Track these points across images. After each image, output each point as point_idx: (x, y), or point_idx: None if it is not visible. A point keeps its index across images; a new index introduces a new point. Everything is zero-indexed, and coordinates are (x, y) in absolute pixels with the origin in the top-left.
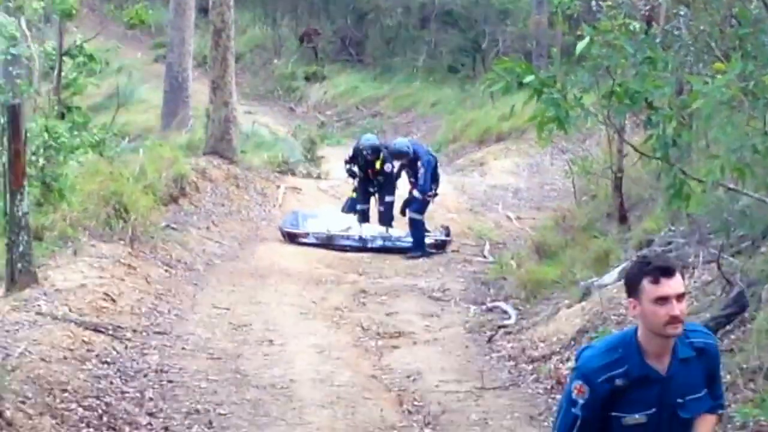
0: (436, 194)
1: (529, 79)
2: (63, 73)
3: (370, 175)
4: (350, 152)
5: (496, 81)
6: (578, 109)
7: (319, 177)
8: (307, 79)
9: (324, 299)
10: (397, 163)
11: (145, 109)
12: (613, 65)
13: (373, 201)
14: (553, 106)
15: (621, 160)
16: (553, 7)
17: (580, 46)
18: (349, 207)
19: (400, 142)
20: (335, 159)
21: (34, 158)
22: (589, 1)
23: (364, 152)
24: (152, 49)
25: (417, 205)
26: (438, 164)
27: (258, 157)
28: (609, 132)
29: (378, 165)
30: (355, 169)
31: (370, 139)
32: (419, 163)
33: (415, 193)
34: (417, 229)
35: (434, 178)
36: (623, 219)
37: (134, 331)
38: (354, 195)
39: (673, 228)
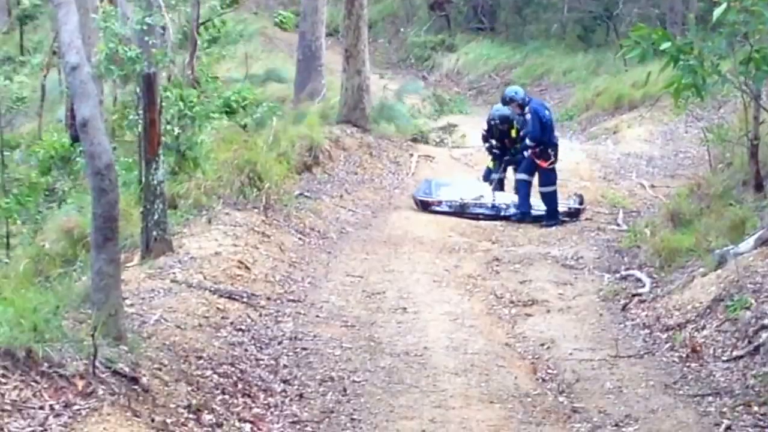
0: (554, 160)
1: (665, 45)
2: (197, 43)
3: (507, 145)
4: (484, 125)
5: (632, 48)
6: (715, 75)
7: (452, 145)
8: (438, 47)
9: (457, 267)
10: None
11: (279, 78)
12: (750, 31)
13: (510, 170)
14: (689, 72)
15: (757, 127)
16: None
17: (717, 12)
18: (486, 176)
19: (510, 88)
20: (468, 127)
21: (168, 127)
22: None
23: (494, 122)
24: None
25: (526, 166)
26: (553, 123)
27: (391, 126)
28: (745, 99)
29: (513, 133)
30: (494, 142)
31: (499, 109)
32: (526, 109)
33: (526, 151)
34: (550, 200)
35: (546, 136)
36: (759, 187)
37: (268, 298)
38: (492, 165)
39: None
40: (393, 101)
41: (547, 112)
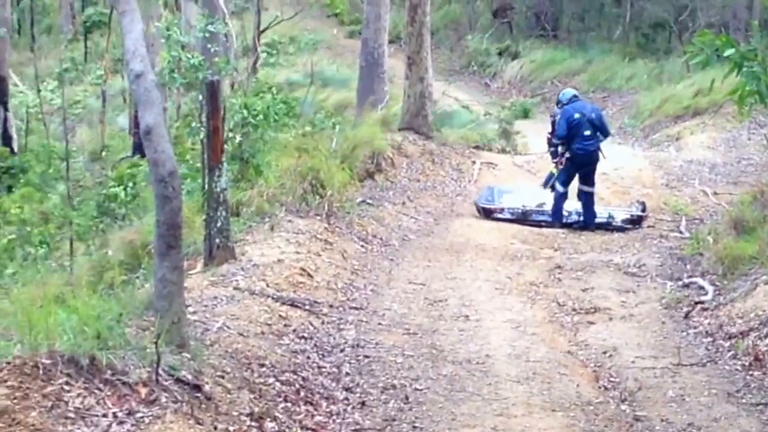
0: (561, 159)
1: (729, 52)
2: (259, 51)
3: None
4: (550, 127)
5: (696, 54)
6: None
7: (515, 152)
8: (501, 54)
9: (519, 275)
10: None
11: (342, 86)
12: None
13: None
14: (753, 79)
15: None
16: None
17: None
18: (547, 182)
19: (564, 91)
20: (531, 133)
21: (231, 134)
22: None
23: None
24: (347, 25)
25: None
26: (584, 128)
27: (453, 133)
28: None
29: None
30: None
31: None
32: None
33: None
34: (554, 198)
35: (571, 134)
36: None
37: (331, 306)
38: (555, 171)
39: None
40: (456, 108)
41: (577, 115)
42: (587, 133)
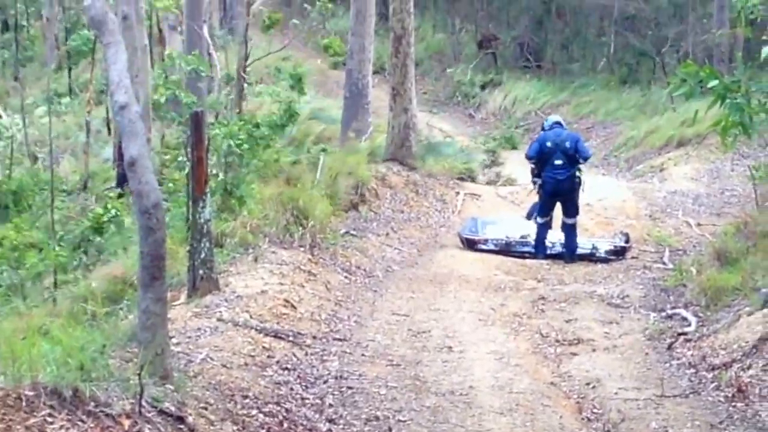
0: (534, 182)
1: (713, 83)
2: (244, 82)
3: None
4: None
5: (680, 85)
6: (762, 114)
7: (498, 183)
8: (485, 85)
9: (503, 306)
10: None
11: (326, 117)
12: None
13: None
14: (737, 111)
15: None
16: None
17: (766, 50)
18: (531, 213)
19: (549, 117)
20: (515, 164)
21: (215, 165)
22: None
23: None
24: (332, 56)
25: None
26: (554, 152)
27: (437, 164)
28: None
29: None
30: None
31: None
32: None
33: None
34: (535, 230)
35: (541, 159)
36: None
37: (314, 337)
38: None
39: None
40: (440, 139)
41: (550, 144)
42: (558, 162)
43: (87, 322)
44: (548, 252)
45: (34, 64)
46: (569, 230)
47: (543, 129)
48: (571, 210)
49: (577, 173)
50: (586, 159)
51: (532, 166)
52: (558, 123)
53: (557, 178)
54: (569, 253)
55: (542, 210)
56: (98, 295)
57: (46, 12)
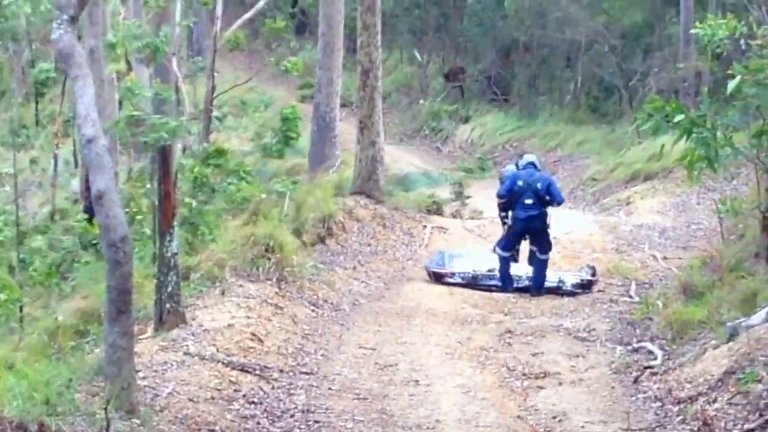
0: (504, 220)
1: (679, 118)
2: (212, 115)
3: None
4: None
5: (646, 120)
6: (728, 148)
7: (466, 216)
8: (452, 118)
9: (469, 339)
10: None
11: (294, 149)
12: (763, 104)
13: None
14: (703, 145)
15: None
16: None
17: (731, 85)
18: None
19: (525, 155)
20: (482, 198)
21: (184, 199)
22: (738, 39)
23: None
24: (299, 89)
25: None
26: (525, 192)
27: (405, 197)
28: (758, 171)
29: None
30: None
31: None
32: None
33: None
34: (499, 264)
35: (511, 198)
36: None
37: (281, 371)
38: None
39: None
40: (408, 172)
41: (521, 183)
42: (528, 201)
43: (53, 356)
44: (516, 285)
45: (1, 99)
46: (540, 265)
47: (517, 167)
48: (543, 246)
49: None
50: (559, 203)
51: (498, 200)
52: (532, 164)
53: (528, 216)
54: (536, 287)
55: (507, 245)
56: (66, 328)
57: (11, 44)
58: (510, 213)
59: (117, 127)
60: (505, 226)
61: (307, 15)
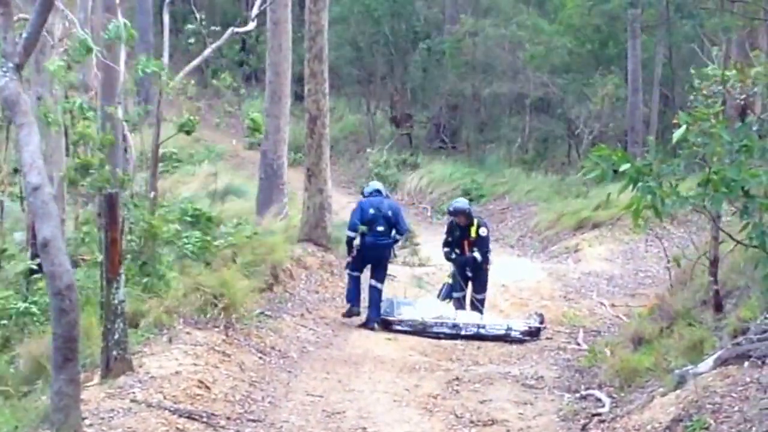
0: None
1: (624, 167)
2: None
3: (466, 249)
4: (444, 229)
5: (592, 169)
6: (674, 197)
7: (415, 264)
8: (400, 165)
9: (417, 386)
10: (484, 230)
11: (241, 196)
12: (709, 153)
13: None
14: (649, 194)
15: (716, 247)
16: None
17: (677, 134)
18: (446, 293)
19: (370, 183)
20: (430, 246)
21: (131, 245)
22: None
23: (454, 218)
24: (247, 136)
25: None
26: (377, 219)
27: None
28: (704, 219)
29: (473, 232)
30: (452, 251)
31: (459, 201)
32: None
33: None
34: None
35: (364, 226)
36: (719, 307)
37: (228, 418)
38: (450, 280)
39: None
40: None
41: (372, 211)
42: (380, 228)
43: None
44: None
45: None
46: (376, 295)
47: (363, 195)
48: (381, 275)
49: (397, 241)
50: (402, 234)
51: (349, 234)
52: (378, 191)
53: (378, 243)
54: (369, 320)
55: (356, 267)
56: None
57: None
58: (357, 240)
59: (69, 174)
60: (353, 253)
61: (254, 62)
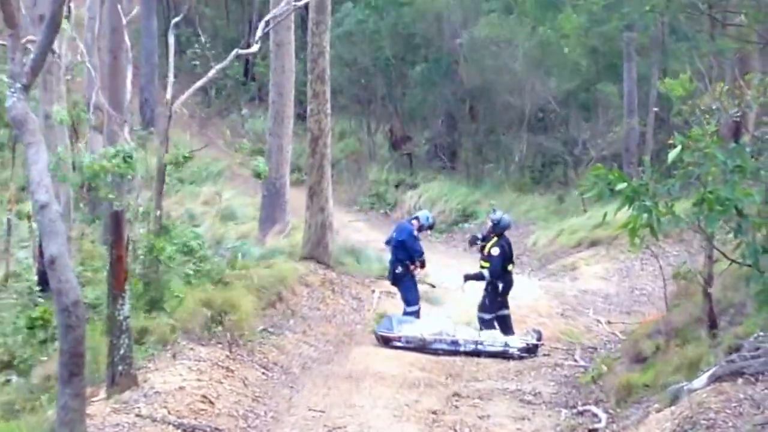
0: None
1: (621, 186)
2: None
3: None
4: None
5: (590, 188)
6: (670, 216)
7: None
8: (400, 185)
9: (417, 402)
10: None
11: (244, 215)
12: (703, 173)
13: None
14: (645, 213)
15: (711, 266)
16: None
17: (672, 154)
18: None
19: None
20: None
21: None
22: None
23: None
24: (250, 156)
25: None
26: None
27: (355, 264)
28: (700, 237)
29: (488, 248)
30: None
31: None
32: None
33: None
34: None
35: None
36: (713, 324)
37: None
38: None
39: (763, 333)
40: (357, 237)
41: (393, 233)
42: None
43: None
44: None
45: None
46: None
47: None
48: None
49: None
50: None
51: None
52: (416, 217)
53: (390, 263)
54: None
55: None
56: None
57: None
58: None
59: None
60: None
61: (258, 82)
